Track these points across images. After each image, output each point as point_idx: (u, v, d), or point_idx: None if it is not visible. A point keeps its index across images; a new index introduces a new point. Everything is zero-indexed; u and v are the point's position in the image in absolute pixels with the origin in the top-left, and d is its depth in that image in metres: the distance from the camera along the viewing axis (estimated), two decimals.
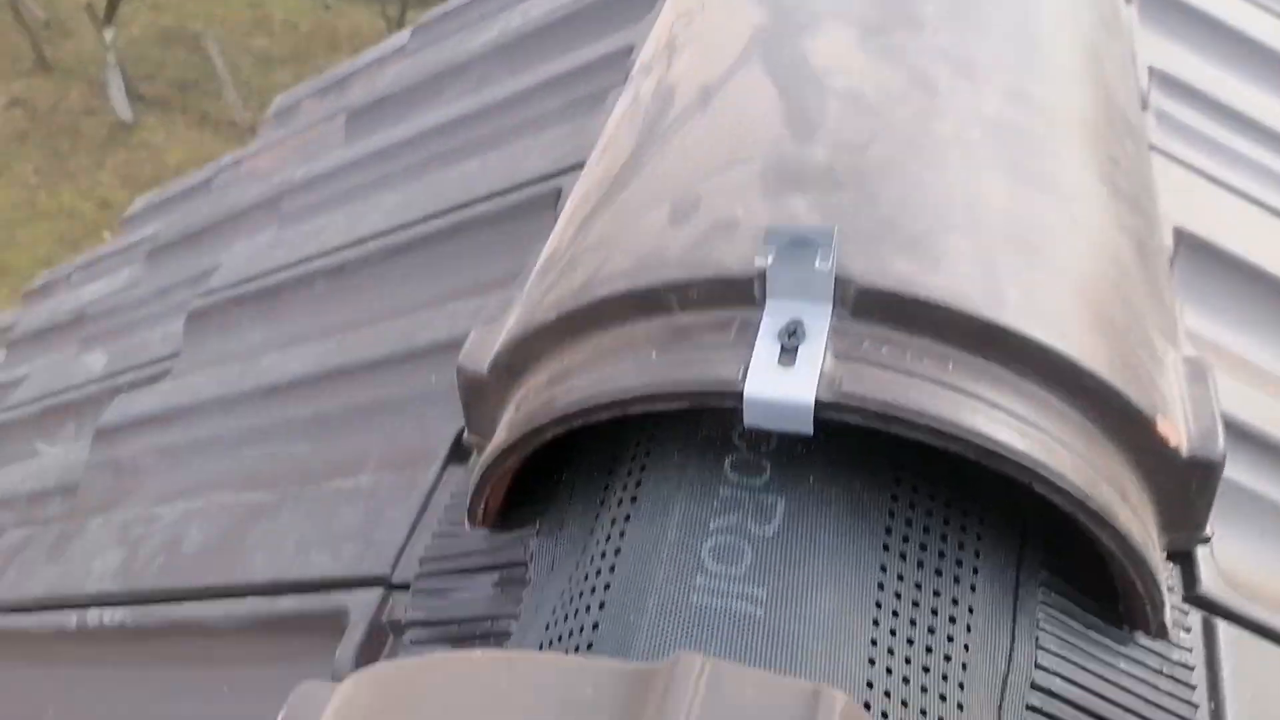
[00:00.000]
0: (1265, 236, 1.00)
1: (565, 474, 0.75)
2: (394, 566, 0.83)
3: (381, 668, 0.51)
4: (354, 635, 0.79)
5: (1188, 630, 0.64)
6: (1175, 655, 0.62)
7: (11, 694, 1.13)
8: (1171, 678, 0.61)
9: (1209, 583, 0.67)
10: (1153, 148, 1.02)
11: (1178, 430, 0.59)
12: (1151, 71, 1.12)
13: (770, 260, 0.55)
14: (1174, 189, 0.99)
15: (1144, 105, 1.08)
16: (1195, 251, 0.94)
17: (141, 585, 1.03)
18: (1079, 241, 0.63)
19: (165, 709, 0.94)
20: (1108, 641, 0.61)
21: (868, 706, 0.52)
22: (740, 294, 0.60)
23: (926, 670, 0.54)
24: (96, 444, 1.45)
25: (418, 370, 1.07)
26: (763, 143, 0.69)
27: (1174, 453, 0.59)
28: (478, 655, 0.48)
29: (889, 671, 0.53)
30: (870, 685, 0.52)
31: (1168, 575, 0.67)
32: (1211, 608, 0.66)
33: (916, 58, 0.74)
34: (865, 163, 0.65)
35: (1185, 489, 0.60)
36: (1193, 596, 0.67)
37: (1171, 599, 0.65)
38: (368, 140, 1.82)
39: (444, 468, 0.90)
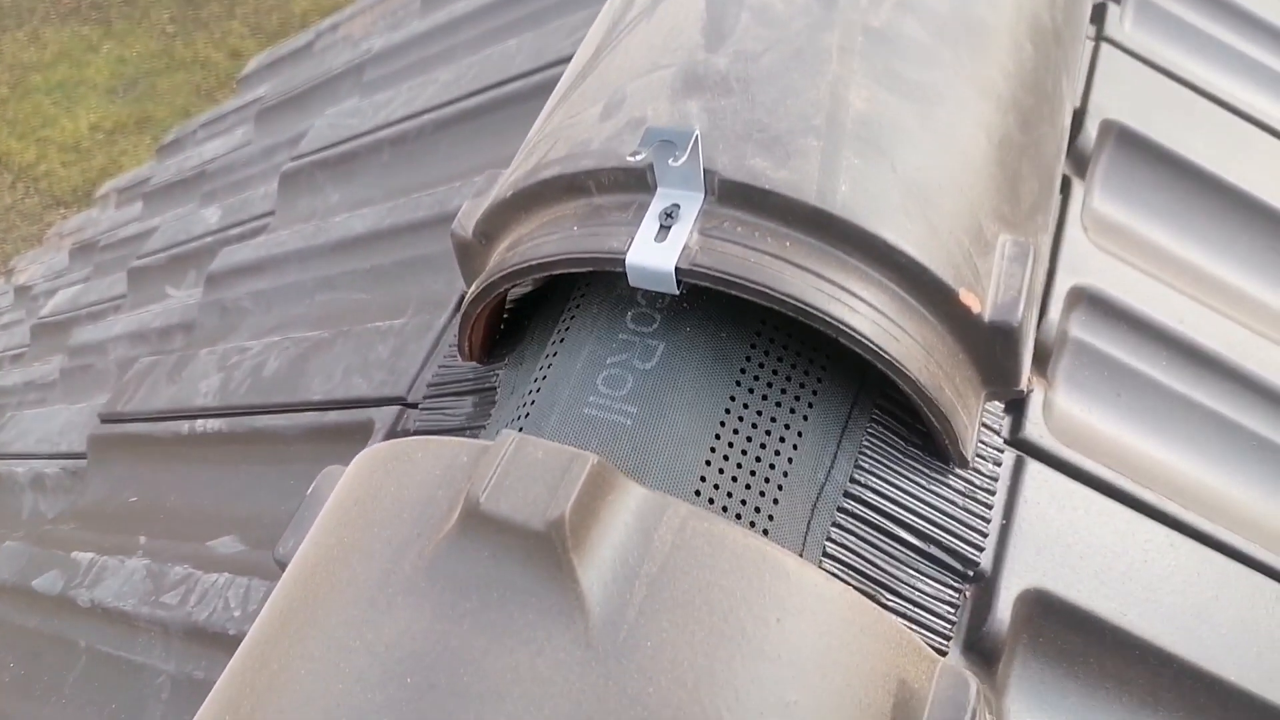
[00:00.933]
0: (1206, 131, 1.07)
1: (531, 322, 0.94)
2: (409, 389, 1.04)
3: (370, 449, 0.73)
4: (376, 440, 1.02)
5: (998, 464, 0.79)
6: (979, 482, 0.78)
7: (144, 484, 1.43)
8: (972, 498, 0.77)
9: (1030, 429, 0.82)
10: (1109, 40, 1.09)
11: (981, 300, 0.73)
12: None
13: (642, 157, 0.70)
14: (1123, 81, 1.07)
15: None
16: (1124, 143, 1.03)
17: (234, 401, 1.29)
18: (926, 141, 0.76)
19: (251, 495, 1.21)
20: (921, 467, 0.77)
21: (697, 494, 0.70)
22: (640, 182, 0.76)
23: (753, 474, 0.72)
24: (207, 288, 1.71)
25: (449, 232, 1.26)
26: (682, 50, 0.82)
27: (977, 319, 0.73)
28: (413, 440, 0.68)
29: (720, 472, 0.71)
30: (703, 479, 0.71)
31: (996, 420, 0.82)
32: (1026, 448, 0.81)
33: None
34: (755, 71, 0.78)
35: (992, 349, 0.75)
36: (1015, 439, 0.82)
37: (991, 439, 0.81)
38: (437, 13, 1.97)
39: (454, 313, 1.10)
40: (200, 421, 1.31)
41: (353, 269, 1.39)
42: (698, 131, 0.70)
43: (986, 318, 0.73)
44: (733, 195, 0.72)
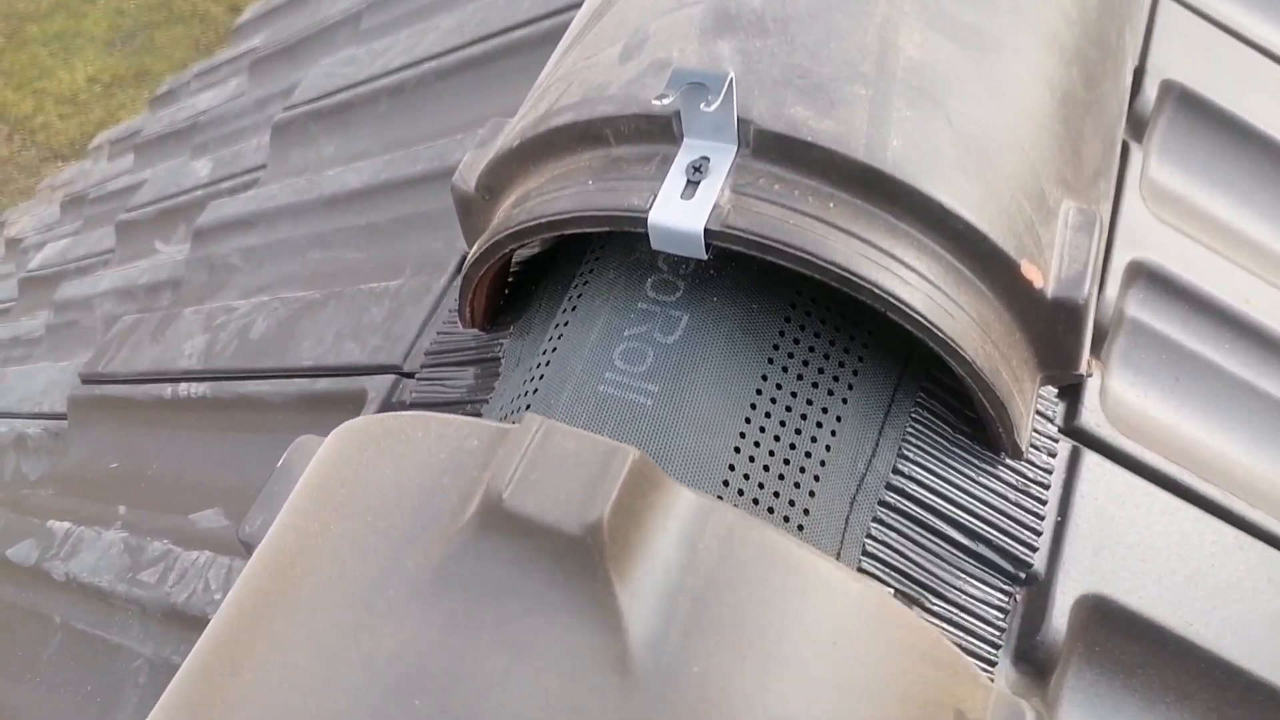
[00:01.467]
0: (1271, 95, 0.99)
1: (539, 287, 0.86)
2: (405, 357, 0.97)
3: (352, 422, 0.65)
4: (369, 411, 0.94)
5: (1053, 455, 0.72)
6: (1032, 474, 0.70)
7: (126, 449, 1.36)
8: (1025, 492, 0.70)
9: (1087, 416, 0.74)
10: None
11: (1044, 274, 0.65)
12: None
13: (669, 101, 0.62)
14: (1183, 39, 0.98)
15: None
16: (1185, 106, 0.94)
17: (219, 364, 1.21)
18: (984, 93, 0.68)
19: (236, 465, 1.14)
20: (970, 458, 0.69)
21: (725, 484, 0.63)
22: (664, 131, 0.68)
23: (786, 462, 0.65)
24: (195, 244, 1.63)
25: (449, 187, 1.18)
26: None
27: (1039, 294, 0.65)
28: (409, 415, 0.60)
29: (751, 460, 0.64)
30: (731, 468, 0.63)
31: (1050, 407, 0.75)
32: (1083, 438, 0.74)
33: None
34: (794, 9, 0.70)
35: (1053, 328, 0.67)
36: (1070, 428, 0.74)
37: (1045, 427, 0.73)
38: None
39: (454, 275, 1.02)
40: (184, 385, 1.24)
41: (347, 225, 1.31)
42: (731, 73, 0.62)
43: (1049, 293, 0.66)
44: (770, 148, 0.64)
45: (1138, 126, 0.92)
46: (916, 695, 0.49)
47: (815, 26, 0.68)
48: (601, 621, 0.46)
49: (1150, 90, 0.92)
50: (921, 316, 0.61)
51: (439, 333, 0.93)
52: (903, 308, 0.61)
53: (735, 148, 0.65)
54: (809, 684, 0.47)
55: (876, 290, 0.61)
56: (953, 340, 0.62)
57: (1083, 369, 0.71)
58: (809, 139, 0.63)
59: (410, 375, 0.96)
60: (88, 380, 1.45)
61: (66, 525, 1.16)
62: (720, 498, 0.62)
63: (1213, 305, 0.85)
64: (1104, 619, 0.70)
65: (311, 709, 0.48)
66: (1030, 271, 0.64)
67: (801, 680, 0.47)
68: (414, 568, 0.49)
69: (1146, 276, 0.84)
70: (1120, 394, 0.79)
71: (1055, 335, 0.68)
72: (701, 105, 0.61)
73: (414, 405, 0.90)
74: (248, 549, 0.63)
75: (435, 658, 0.46)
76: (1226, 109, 0.95)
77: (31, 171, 6.57)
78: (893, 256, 0.62)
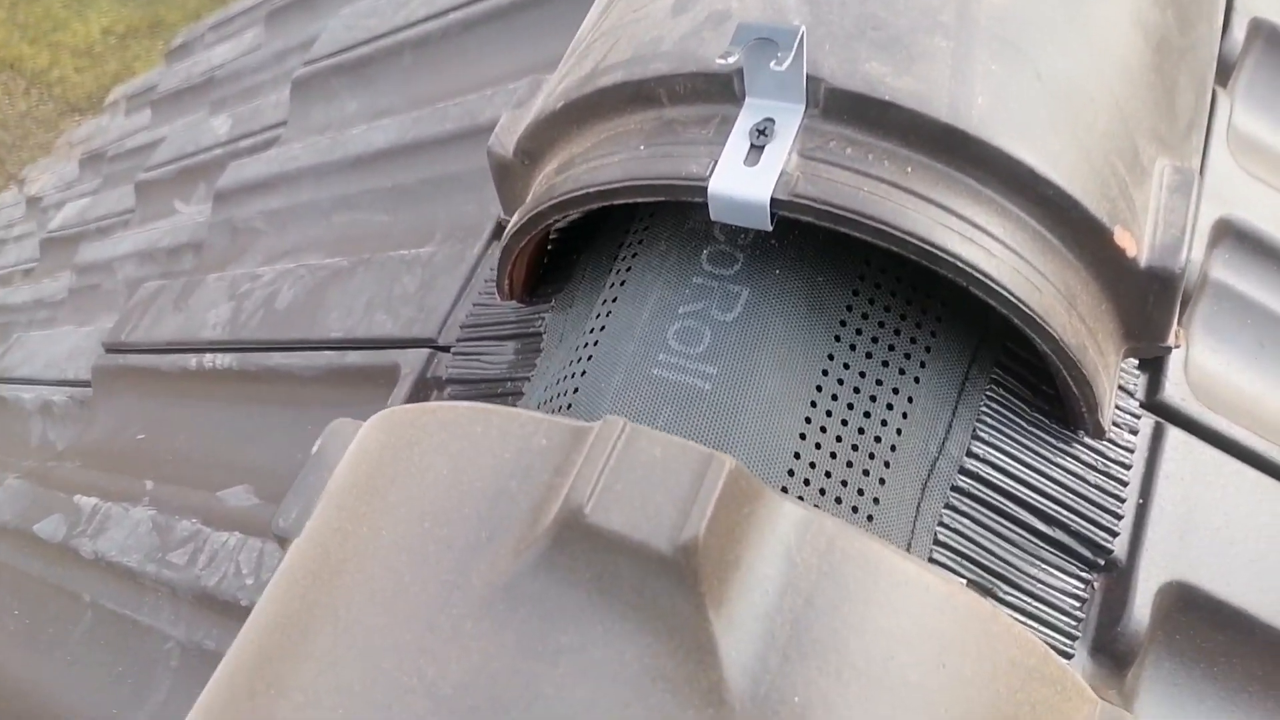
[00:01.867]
0: None
1: (581, 256, 0.81)
2: (440, 330, 0.93)
3: (394, 411, 0.61)
4: (403, 388, 0.90)
5: (1134, 433, 0.67)
6: (1112, 454, 0.66)
7: (152, 420, 1.33)
8: (1105, 473, 0.65)
9: (1171, 390, 0.69)
10: None
11: (1137, 241, 0.60)
12: None
13: (734, 59, 0.57)
14: None
15: None
16: (1276, 46, 0.87)
17: (244, 335, 1.18)
18: (1075, 42, 0.62)
19: (264, 440, 1.11)
20: (1047, 437, 0.65)
21: (791, 474, 0.59)
22: (723, 90, 0.62)
23: (855, 448, 0.60)
24: (216, 206, 1.59)
25: (481, 145, 1.12)
26: None
27: (1132, 263, 0.60)
28: (463, 407, 0.56)
29: (818, 447, 0.60)
30: (797, 456, 0.59)
31: (1131, 380, 0.70)
32: (1166, 413, 0.69)
33: None
34: None
35: (1144, 300, 0.62)
36: (1153, 402, 0.69)
37: (1126, 402, 0.68)
38: None
39: (489, 243, 0.97)
40: (209, 356, 1.21)
41: (373, 187, 1.26)
42: (803, 27, 0.56)
43: (1143, 262, 0.60)
44: (842, 108, 0.59)
45: (1223, 71, 0.86)
46: (1026, 715, 0.46)
47: None
48: (693, 649, 0.42)
49: (1238, 30, 0.86)
50: (1007, 291, 0.56)
51: (475, 304, 0.89)
52: (987, 282, 0.56)
53: (803, 108, 0.60)
54: (919, 709, 0.43)
55: (960, 263, 0.56)
56: (1039, 316, 0.57)
57: (1171, 341, 0.66)
58: (887, 98, 0.57)
59: (445, 349, 0.92)
60: (111, 350, 1.42)
61: (94, 501, 1.14)
62: (785, 489, 0.58)
63: None
64: (1188, 607, 0.66)
65: None
66: (1124, 239, 0.59)
67: (911, 706, 0.43)
68: (480, 584, 0.45)
69: (1234, 235, 0.78)
70: (1204, 364, 0.74)
71: (1145, 306, 0.63)
72: (770, 64, 0.55)
73: (450, 381, 0.86)
74: (283, 543, 0.59)
75: (507, 686, 0.43)
76: None
77: (50, 125, 6.53)
78: (976, 226, 0.57)
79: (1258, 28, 0.86)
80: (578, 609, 0.44)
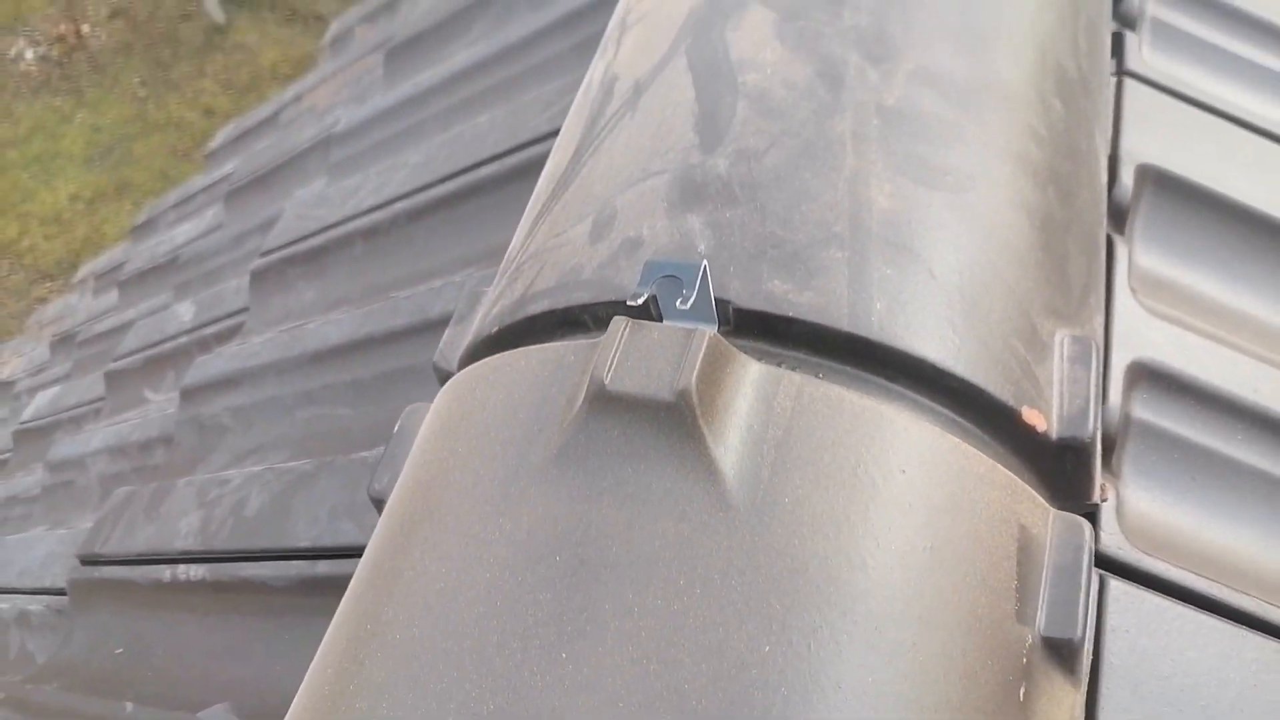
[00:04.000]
0: (1248, 163, 0.98)
1: None
2: None
3: (455, 377, 0.73)
4: None
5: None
6: None
7: (130, 634, 1.33)
8: None
9: (1107, 540, 0.72)
10: (1132, 74, 1.01)
11: (1045, 416, 0.63)
12: None
13: (643, 299, 0.61)
14: (1152, 118, 0.98)
15: (1131, 23, 1.05)
16: (1164, 188, 0.93)
17: (216, 545, 1.19)
18: (963, 236, 0.66)
19: (242, 652, 1.11)
20: None
21: None
22: (643, 313, 0.66)
23: None
24: (183, 403, 1.61)
25: (433, 340, 1.16)
26: (674, 151, 0.73)
27: (1044, 437, 0.63)
28: (508, 354, 0.68)
29: None
30: None
31: None
32: (1105, 564, 0.71)
33: (830, 44, 0.76)
34: (760, 173, 0.69)
35: (1061, 467, 0.65)
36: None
37: None
38: (402, 85, 1.88)
39: None
40: (183, 567, 1.21)
41: (332, 382, 1.29)
42: (705, 263, 0.61)
43: (1054, 435, 0.64)
44: (751, 325, 0.63)
45: (1118, 217, 0.91)
46: (981, 511, 0.58)
47: (784, 190, 0.67)
48: (701, 470, 0.55)
49: (1126, 178, 0.91)
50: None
51: None
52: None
53: (715, 326, 0.63)
54: (889, 506, 0.55)
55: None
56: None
57: (1096, 497, 0.69)
58: (790, 314, 0.61)
59: None
60: (86, 562, 1.42)
61: None
62: None
63: (1221, 397, 0.83)
64: None
65: (468, 585, 0.55)
66: (1032, 416, 0.63)
67: (881, 503, 0.55)
68: (537, 459, 0.58)
69: (1149, 377, 0.82)
70: (1138, 506, 0.77)
71: (1064, 472, 0.66)
72: (677, 302, 0.59)
73: None
74: (378, 504, 0.73)
75: (568, 524, 0.55)
76: (1206, 186, 0.94)
77: (21, 294, 6.58)
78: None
79: (1145, 173, 0.92)
80: (612, 457, 0.56)
